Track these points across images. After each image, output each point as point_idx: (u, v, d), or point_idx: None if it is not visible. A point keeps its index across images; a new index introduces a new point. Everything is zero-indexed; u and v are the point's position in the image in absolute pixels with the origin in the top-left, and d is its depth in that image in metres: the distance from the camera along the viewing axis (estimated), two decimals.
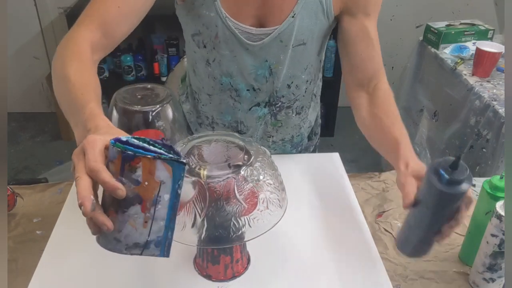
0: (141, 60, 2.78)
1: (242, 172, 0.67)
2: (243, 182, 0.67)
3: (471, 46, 1.94)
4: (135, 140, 0.54)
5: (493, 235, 0.73)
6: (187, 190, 0.65)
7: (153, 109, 0.85)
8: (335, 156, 1.11)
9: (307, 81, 1.03)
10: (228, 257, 0.76)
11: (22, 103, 3.07)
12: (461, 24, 2.07)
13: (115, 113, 0.86)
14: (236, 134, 0.75)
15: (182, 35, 1.01)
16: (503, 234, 0.72)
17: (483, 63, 1.75)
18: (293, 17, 0.89)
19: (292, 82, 1.00)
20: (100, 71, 2.66)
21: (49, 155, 2.73)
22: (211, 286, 0.77)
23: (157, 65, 2.81)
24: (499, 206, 0.73)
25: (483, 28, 2.05)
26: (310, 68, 1.00)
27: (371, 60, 0.95)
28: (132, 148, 0.52)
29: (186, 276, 0.79)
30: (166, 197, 0.52)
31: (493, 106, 1.57)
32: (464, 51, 1.92)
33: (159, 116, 0.86)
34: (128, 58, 2.74)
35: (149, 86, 0.91)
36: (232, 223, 0.66)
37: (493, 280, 0.77)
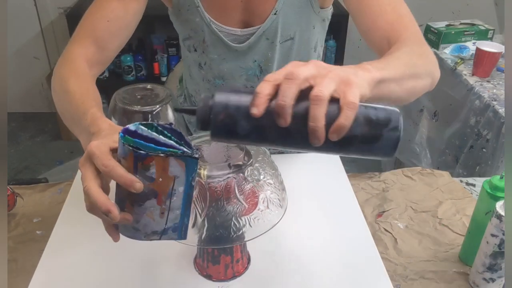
0: (141, 60, 2.78)
1: (243, 172, 0.67)
2: (243, 182, 0.67)
3: (471, 46, 1.94)
4: (144, 128, 0.54)
5: (493, 235, 0.73)
6: None
7: (153, 109, 0.85)
8: (335, 156, 1.11)
9: None
10: (229, 257, 0.76)
11: (22, 103, 3.07)
12: (461, 24, 2.07)
13: (115, 113, 0.86)
14: None
15: None
16: (503, 234, 0.72)
17: (483, 63, 1.75)
18: (275, 14, 0.89)
19: None
20: None
21: (49, 155, 2.73)
22: (212, 286, 0.77)
23: (157, 65, 2.81)
24: (499, 206, 0.73)
25: (483, 28, 2.05)
26: None
27: (382, 16, 0.80)
28: (142, 142, 0.53)
29: (187, 276, 0.79)
30: (180, 189, 0.53)
31: (493, 106, 1.57)
32: (464, 51, 1.92)
33: (159, 116, 0.85)
34: (128, 58, 2.74)
35: (149, 86, 0.91)
36: (232, 223, 0.66)
37: (493, 280, 0.77)
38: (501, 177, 0.77)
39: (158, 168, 0.51)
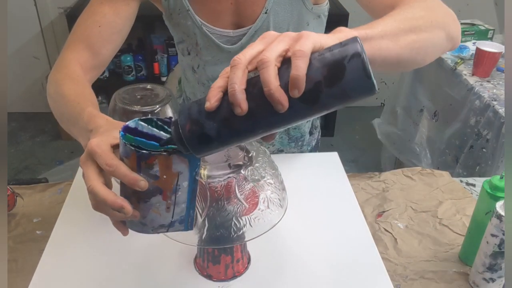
0: (141, 60, 2.78)
1: (243, 172, 0.67)
2: (243, 182, 0.67)
3: (471, 46, 1.94)
4: (144, 124, 0.54)
5: (493, 235, 0.73)
6: None
7: (153, 109, 0.85)
8: (335, 156, 1.11)
9: None
10: (229, 256, 0.76)
11: (22, 103, 3.07)
12: (461, 24, 2.06)
13: (115, 113, 0.86)
14: None
15: None
16: (503, 234, 0.72)
17: (483, 63, 1.75)
18: (266, 13, 0.89)
19: None
20: None
21: (49, 155, 2.73)
22: (212, 286, 0.77)
23: (157, 65, 2.81)
24: (499, 206, 0.73)
25: (483, 28, 2.05)
26: None
27: None
28: (143, 140, 0.53)
29: (187, 276, 0.79)
30: (185, 184, 0.53)
31: (493, 106, 1.57)
32: (464, 51, 1.92)
33: (159, 116, 0.86)
34: (128, 58, 2.75)
35: (148, 86, 0.91)
36: (233, 222, 0.66)
37: (493, 280, 0.77)
38: (501, 177, 0.77)
39: (161, 166, 0.51)
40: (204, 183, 0.65)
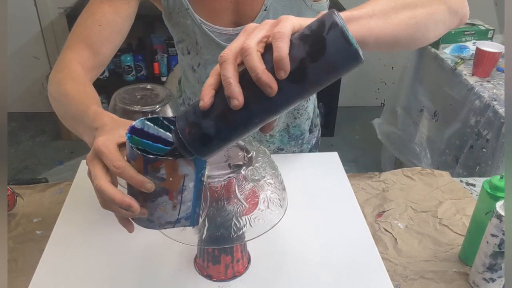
0: (141, 60, 2.78)
1: (243, 172, 0.67)
2: (243, 182, 0.67)
3: (471, 46, 1.95)
4: (150, 124, 0.55)
5: (493, 235, 0.73)
6: None
7: (153, 109, 0.85)
8: (335, 156, 1.11)
9: None
10: (229, 256, 0.76)
11: (22, 103, 3.07)
12: None
13: (115, 113, 0.86)
14: None
15: None
16: (503, 234, 0.72)
17: (483, 63, 1.75)
18: (265, 10, 0.89)
19: None
20: None
21: (49, 155, 2.73)
22: (212, 286, 0.77)
23: (157, 65, 2.81)
24: (499, 206, 0.73)
25: (483, 28, 2.05)
26: None
27: None
28: (150, 143, 0.54)
29: (187, 276, 0.79)
30: (191, 185, 0.54)
31: (493, 106, 1.57)
32: (464, 51, 1.92)
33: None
34: (128, 58, 2.75)
35: (148, 86, 0.91)
36: (233, 222, 0.66)
37: (493, 280, 0.77)
38: (501, 177, 0.77)
39: (168, 169, 0.52)
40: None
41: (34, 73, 2.99)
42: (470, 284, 0.80)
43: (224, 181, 0.65)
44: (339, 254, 0.84)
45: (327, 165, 1.08)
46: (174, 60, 2.77)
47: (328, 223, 0.91)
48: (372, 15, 0.57)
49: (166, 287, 0.78)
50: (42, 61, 2.97)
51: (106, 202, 0.54)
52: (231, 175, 0.66)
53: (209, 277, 0.78)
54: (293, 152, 1.16)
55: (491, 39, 2.04)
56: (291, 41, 0.45)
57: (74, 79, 0.79)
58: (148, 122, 0.55)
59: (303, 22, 0.48)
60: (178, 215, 0.56)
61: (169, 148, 0.54)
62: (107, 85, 2.69)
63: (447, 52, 1.97)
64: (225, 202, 0.66)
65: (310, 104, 1.13)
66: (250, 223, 0.67)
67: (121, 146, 0.55)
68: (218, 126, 0.48)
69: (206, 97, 0.47)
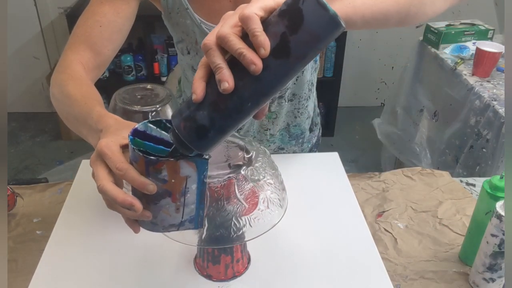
0: (141, 60, 2.78)
1: (243, 172, 0.67)
2: (243, 182, 0.67)
3: (471, 46, 1.94)
4: (153, 127, 0.56)
5: (493, 235, 0.73)
6: None
7: (153, 109, 0.85)
8: (335, 156, 1.11)
9: None
10: (229, 256, 0.76)
11: (22, 103, 3.07)
12: (461, 24, 2.07)
13: (115, 113, 0.86)
14: (236, 134, 0.75)
15: None
16: (503, 234, 0.72)
17: (483, 63, 1.75)
18: None
19: None
20: None
21: (49, 155, 2.73)
22: (212, 286, 0.77)
23: (157, 65, 2.81)
24: (499, 206, 0.73)
25: (483, 28, 2.05)
26: None
27: None
28: (152, 145, 0.54)
29: (187, 276, 0.79)
30: (193, 187, 0.54)
31: (493, 106, 1.57)
32: (464, 51, 1.92)
33: (159, 116, 0.86)
34: (128, 58, 2.75)
35: (149, 86, 0.91)
36: (232, 222, 0.66)
37: (493, 280, 0.77)
38: (501, 177, 0.77)
39: (169, 171, 0.52)
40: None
41: (34, 73, 2.99)
42: (470, 284, 0.80)
43: (224, 181, 0.65)
44: (339, 254, 0.84)
45: (327, 165, 1.08)
46: (174, 60, 2.77)
47: (328, 223, 0.91)
48: None
49: (166, 287, 0.78)
50: (42, 61, 2.97)
51: (111, 202, 0.55)
52: (231, 175, 0.66)
53: (209, 277, 0.78)
54: (294, 151, 1.16)
55: (491, 39, 2.04)
56: (270, 19, 0.46)
57: (76, 80, 0.79)
58: (151, 125, 0.56)
59: (279, 0, 0.48)
60: (182, 217, 0.56)
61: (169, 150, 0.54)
62: (107, 85, 2.69)
63: (447, 52, 1.97)
64: (225, 202, 0.66)
65: (310, 103, 1.13)
66: (250, 223, 0.67)
67: (125, 148, 0.56)
68: (212, 116, 0.48)
69: (198, 89, 0.48)
